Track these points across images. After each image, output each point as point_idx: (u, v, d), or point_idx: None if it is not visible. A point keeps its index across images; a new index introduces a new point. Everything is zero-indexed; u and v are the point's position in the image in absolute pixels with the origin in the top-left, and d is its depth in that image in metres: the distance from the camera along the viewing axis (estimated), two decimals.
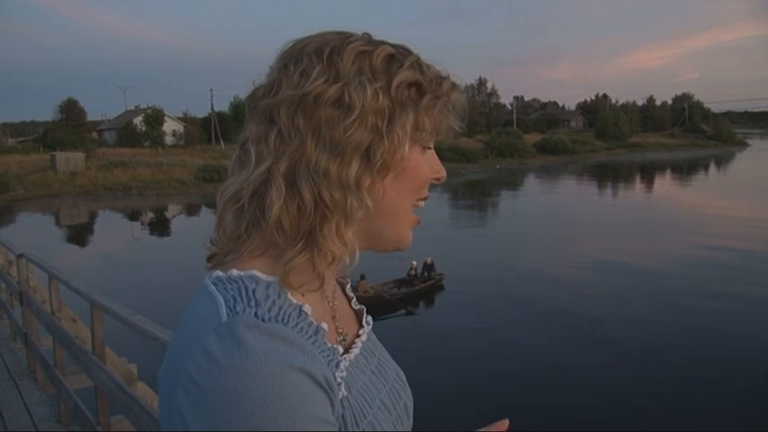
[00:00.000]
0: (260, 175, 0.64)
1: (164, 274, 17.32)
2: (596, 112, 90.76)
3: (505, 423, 0.84)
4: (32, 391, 5.11)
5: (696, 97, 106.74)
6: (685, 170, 56.24)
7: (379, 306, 13.21)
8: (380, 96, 0.65)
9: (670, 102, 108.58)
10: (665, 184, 46.02)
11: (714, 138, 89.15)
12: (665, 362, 10.71)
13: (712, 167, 59.92)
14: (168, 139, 58.25)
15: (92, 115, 66.69)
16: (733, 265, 17.97)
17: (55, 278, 4.52)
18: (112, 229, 28.44)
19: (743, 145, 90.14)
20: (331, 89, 0.64)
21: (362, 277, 14.13)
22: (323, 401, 0.58)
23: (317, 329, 0.65)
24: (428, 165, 0.72)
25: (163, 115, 59.13)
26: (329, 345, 0.67)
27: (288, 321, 0.61)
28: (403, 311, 14.12)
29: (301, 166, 0.63)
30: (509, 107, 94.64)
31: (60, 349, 4.51)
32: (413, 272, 15.81)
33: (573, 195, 37.80)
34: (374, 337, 0.83)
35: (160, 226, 29.77)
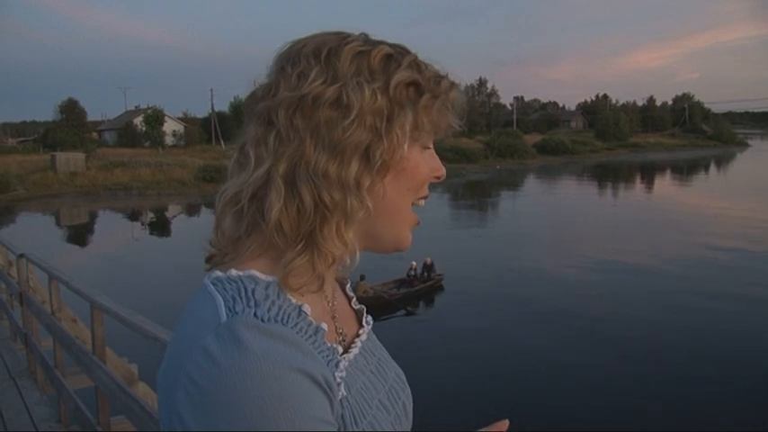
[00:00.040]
0: (259, 177, 0.64)
1: (164, 274, 17.33)
2: (596, 112, 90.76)
3: (505, 423, 0.84)
4: (32, 391, 5.11)
5: (696, 97, 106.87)
6: (686, 170, 56.23)
7: (378, 306, 13.20)
8: (379, 96, 0.65)
9: (670, 102, 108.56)
10: (665, 184, 46.02)
11: (714, 138, 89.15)
12: (665, 362, 10.71)
13: (713, 168, 59.93)
14: (168, 140, 58.29)
15: (92, 115, 66.81)
16: (733, 265, 17.98)
17: (55, 278, 4.52)
18: (113, 230, 28.45)
19: (743, 145, 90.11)
20: (329, 90, 0.64)
21: (362, 278, 14.13)
22: (322, 402, 0.58)
23: (317, 329, 0.65)
24: (428, 164, 0.72)
25: (163, 115, 59.15)
26: (329, 345, 0.67)
27: (287, 321, 0.61)
28: (403, 312, 14.12)
29: (301, 168, 0.63)
30: (509, 107, 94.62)
31: (60, 349, 4.51)
32: (412, 272, 15.81)
33: (573, 196, 37.79)
34: (374, 336, 0.83)
35: (160, 226, 29.78)
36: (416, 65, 0.68)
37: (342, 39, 0.67)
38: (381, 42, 0.69)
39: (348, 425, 0.64)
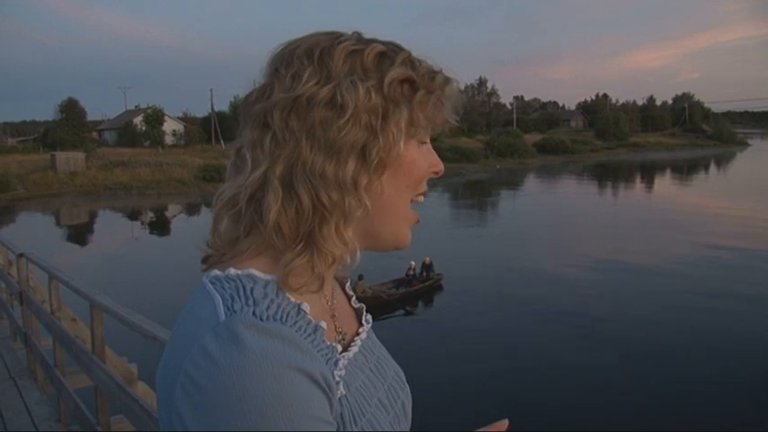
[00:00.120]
0: (256, 179, 0.64)
1: (164, 274, 17.33)
2: (596, 111, 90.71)
3: (505, 423, 0.84)
4: (32, 390, 5.11)
5: (696, 97, 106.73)
6: (685, 170, 56.23)
7: (377, 306, 13.19)
8: (373, 95, 0.65)
9: (670, 101, 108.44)
10: (665, 183, 46.02)
11: (714, 138, 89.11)
12: (665, 362, 10.71)
13: (713, 167, 59.92)
14: (168, 139, 58.30)
15: (92, 115, 66.84)
16: (733, 264, 17.98)
17: (55, 278, 4.52)
18: (112, 229, 28.45)
19: (743, 145, 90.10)
20: (323, 90, 0.64)
21: (360, 277, 14.13)
22: (321, 401, 0.58)
23: (316, 328, 0.65)
24: (425, 159, 0.72)
25: (163, 115, 59.16)
26: (328, 343, 0.67)
27: (286, 320, 0.61)
28: (401, 312, 14.12)
29: (297, 169, 0.63)
30: (509, 107, 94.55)
31: (60, 349, 4.51)
32: (411, 272, 15.79)
33: (573, 195, 37.79)
34: (374, 335, 0.83)
35: (160, 225, 29.79)
36: (410, 61, 0.68)
37: (334, 38, 0.67)
38: (374, 40, 0.69)
39: (347, 424, 0.64)
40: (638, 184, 45.37)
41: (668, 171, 55.21)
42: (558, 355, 11.15)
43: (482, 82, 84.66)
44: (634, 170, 55.27)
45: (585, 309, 13.77)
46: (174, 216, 32.70)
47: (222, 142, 57.02)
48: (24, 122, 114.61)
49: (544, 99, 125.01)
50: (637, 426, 8.66)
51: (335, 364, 0.66)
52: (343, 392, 0.65)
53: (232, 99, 60.07)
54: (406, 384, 0.81)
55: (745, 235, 22.30)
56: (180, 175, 39.50)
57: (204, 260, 0.72)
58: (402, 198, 0.71)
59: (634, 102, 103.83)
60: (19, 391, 5.10)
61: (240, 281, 0.63)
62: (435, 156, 0.74)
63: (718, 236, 22.05)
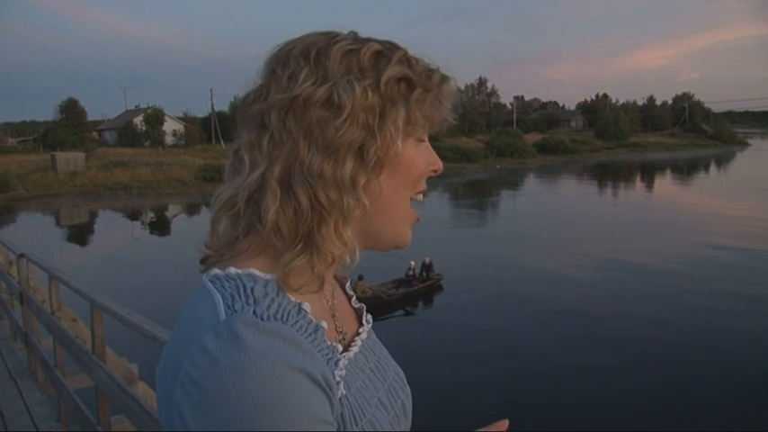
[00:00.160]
0: (254, 180, 0.64)
1: (164, 274, 17.32)
2: (596, 111, 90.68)
3: (505, 423, 0.84)
4: (33, 391, 5.11)
5: (696, 97, 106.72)
6: (686, 170, 56.23)
7: (377, 307, 13.19)
8: (370, 94, 0.65)
9: (670, 101, 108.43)
10: (665, 183, 46.02)
11: (715, 137, 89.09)
12: (665, 361, 10.71)
13: (713, 167, 59.91)
14: (168, 139, 58.30)
15: (92, 115, 66.80)
16: (733, 264, 17.97)
17: (55, 278, 4.52)
18: (113, 229, 28.46)
19: (744, 145, 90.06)
20: (320, 90, 0.64)
21: (360, 278, 14.12)
22: (322, 401, 0.58)
23: (317, 327, 0.65)
24: (423, 158, 0.72)
25: (163, 115, 59.15)
26: (328, 343, 0.66)
27: (287, 319, 0.61)
28: (401, 312, 14.12)
29: (295, 169, 0.63)
30: (509, 107, 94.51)
31: (60, 349, 4.50)
32: (411, 272, 15.78)
33: (573, 195, 37.79)
34: (374, 335, 0.83)
35: (160, 226, 29.79)
36: (406, 60, 0.68)
37: (330, 38, 0.67)
38: (370, 40, 0.69)
39: (347, 424, 0.64)
40: (639, 184, 45.38)
41: (668, 171, 55.21)
42: (559, 354, 11.15)
43: (482, 82, 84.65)
44: (634, 170, 55.27)
45: (586, 308, 13.77)
46: (175, 216, 32.70)
47: (222, 142, 57.03)
48: (24, 123, 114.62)
49: (544, 99, 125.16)
50: (637, 426, 8.66)
51: (336, 364, 0.66)
52: (344, 392, 0.65)
53: (232, 99, 59.98)
54: (407, 385, 0.81)
55: (745, 235, 22.30)
56: (180, 175, 39.51)
57: (202, 261, 0.72)
58: (401, 197, 0.70)
59: (634, 102, 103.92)
60: (19, 391, 5.10)
61: (240, 280, 0.63)
62: (434, 154, 0.74)
63: (718, 236, 22.05)
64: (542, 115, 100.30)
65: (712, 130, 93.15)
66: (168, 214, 33.28)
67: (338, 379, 0.65)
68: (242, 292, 0.61)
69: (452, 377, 10.11)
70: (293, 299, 0.65)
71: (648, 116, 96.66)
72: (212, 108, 65.19)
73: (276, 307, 0.61)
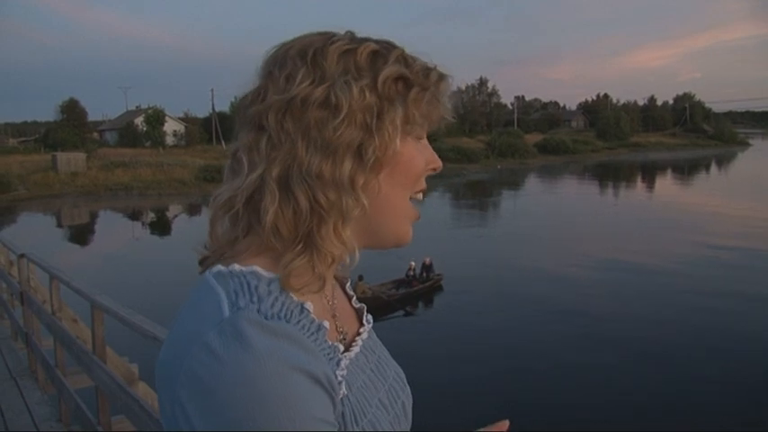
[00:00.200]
0: (252, 182, 0.64)
1: (164, 274, 17.32)
2: (597, 111, 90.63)
3: (505, 423, 0.84)
4: (33, 391, 5.12)
5: (697, 97, 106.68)
6: (686, 170, 56.22)
7: (377, 307, 13.19)
8: (367, 93, 0.65)
9: (671, 101, 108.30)
10: (666, 183, 46.03)
11: (715, 137, 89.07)
12: (665, 361, 10.72)
13: (713, 167, 59.91)
14: (169, 140, 58.26)
15: (93, 115, 66.76)
16: (734, 264, 17.97)
17: (56, 278, 4.52)
18: (113, 229, 28.48)
19: (744, 145, 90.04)
20: (317, 91, 0.64)
21: (360, 278, 14.11)
22: (324, 401, 0.58)
23: (319, 327, 0.65)
24: (422, 156, 0.72)
25: (164, 115, 59.14)
26: (330, 343, 0.67)
27: (290, 319, 0.61)
28: (402, 312, 14.12)
29: (294, 170, 0.63)
30: (510, 107, 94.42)
31: (61, 349, 4.51)
32: (411, 272, 15.78)
33: (574, 195, 37.79)
34: (374, 335, 0.83)
35: (161, 226, 29.81)
36: (404, 59, 0.68)
37: (327, 38, 0.67)
38: (367, 39, 0.69)
39: (348, 423, 0.64)
40: (639, 184, 45.38)
41: (669, 171, 55.22)
42: (559, 354, 11.15)
43: (483, 82, 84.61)
44: (635, 170, 55.27)
45: (586, 308, 13.77)
46: (175, 216, 32.72)
47: (223, 143, 56.96)
48: (25, 123, 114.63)
49: (545, 99, 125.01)
50: (637, 426, 8.66)
51: (338, 363, 0.66)
52: (345, 392, 0.65)
53: (233, 99, 59.12)
54: (407, 385, 0.81)
55: (745, 235, 22.30)
56: (181, 175, 39.53)
57: (201, 262, 0.72)
58: (400, 196, 0.70)
59: (635, 102, 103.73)
60: (20, 391, 5.10)
61: (244, 277, 0.63)
62: (433, 152, 0.74)
63: (718, 236, 22.05)
64: (543, 115, 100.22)
65: (713, 131, 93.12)
66: (169, 215, 33.30)
67: (340, 379, 0.65)
68: (246, 289, 0.61)
69: (452, 377, 10.11)
70: (295, 298, 0.65)
71: (649, 116, 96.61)
72: (213, 108, 65.20)
73: (280, 306, 0.62)
